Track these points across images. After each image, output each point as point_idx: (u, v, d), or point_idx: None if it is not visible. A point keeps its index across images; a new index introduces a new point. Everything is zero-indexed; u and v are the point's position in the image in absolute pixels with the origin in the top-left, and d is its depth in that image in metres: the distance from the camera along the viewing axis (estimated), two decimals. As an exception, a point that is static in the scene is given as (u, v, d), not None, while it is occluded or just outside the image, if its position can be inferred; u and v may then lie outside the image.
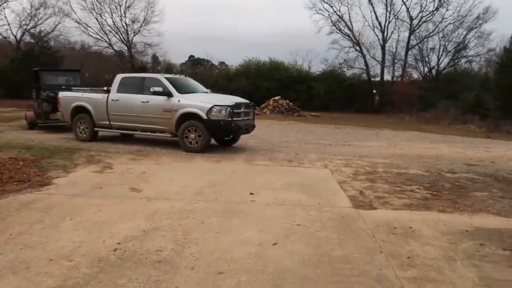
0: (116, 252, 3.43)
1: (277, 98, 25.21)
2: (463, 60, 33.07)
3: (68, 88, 11.60)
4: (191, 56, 49.98)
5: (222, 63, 46.39)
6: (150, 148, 9.25)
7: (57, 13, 37.17)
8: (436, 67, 33.58)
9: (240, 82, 29.50)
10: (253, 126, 10.06)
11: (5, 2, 35.27)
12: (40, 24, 37.37)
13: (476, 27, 31.43)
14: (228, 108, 8.69)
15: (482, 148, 11.81)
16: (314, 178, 6.71)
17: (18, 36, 37.42)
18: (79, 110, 10.27)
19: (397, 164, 8.28)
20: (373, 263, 3.39)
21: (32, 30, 37.22)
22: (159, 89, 9.05)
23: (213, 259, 3.37)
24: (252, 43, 52.04)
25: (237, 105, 9.11)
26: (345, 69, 33.31)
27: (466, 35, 31.93)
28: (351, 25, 33.32)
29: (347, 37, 33.62)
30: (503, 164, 8.94)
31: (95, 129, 10.15)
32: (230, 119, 8.70)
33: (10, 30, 37.34)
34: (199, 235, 3.91)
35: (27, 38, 37.53)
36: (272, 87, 28.24)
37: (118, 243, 3.62)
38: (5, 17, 36.12)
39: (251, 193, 5.50)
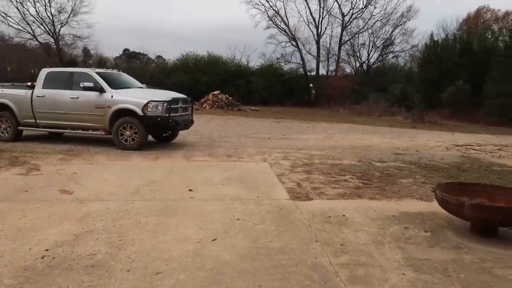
0: (44, 260, 3.22)
1: (216, 92, 25.12)
2: (390, 56, 35.38)
3: (-14, 84, 10.61)
4: (126, 50, 48.09)
5: (159, 57, 45.15)
6: (81, 147, 8.77)
7: (-29, 1, 33.81)
8: (366, 62, 35.51)
9: (178, 76, 28.97)
10: (192, 122, 9.94)
11: None
12: (-52, 12, 33.73)
13: (401, 25, 33.76)
14: (165, 104, 8.49)
15: (407, 138, 12.72)
16: (253, 172, 6.79)
17: None
18: (1, 108, 9.44)
19: (332, 155, 8.65)
20: (309, 252, 3.52)
21: None
22: (90, 84, 8.61)
23: (150, 259, 3.29)
24: (189, 37, 51.32)
25: (175, 100, 8.93)
26: (282, 64, 34.05)
27: (392, 31, 34.17)
28: (287, 20, 34.08)
29: (283, 32, 34.35)
30: (426, 152, 9.70)
31: (19, 128, 9.41)
32: (167, 114, 8.50)
33: None
34: (136, 235, 3.79)
35: None
36: (211, 82, 28.08)
37: (46, 250, 3.40)
38: None
39: (190, 190, 5.45)
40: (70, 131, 9.43)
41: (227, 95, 25.22)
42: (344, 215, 4.53)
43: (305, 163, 7.65)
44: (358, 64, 36.17)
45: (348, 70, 37.17)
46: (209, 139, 10.80)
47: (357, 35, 34.68)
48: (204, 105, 24.02)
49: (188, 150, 8.88)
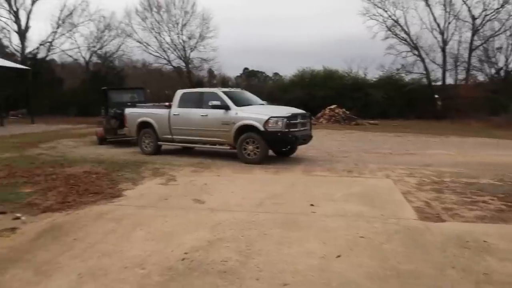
0: (184, 262, 3.58)
1: (333, 107, 24.91)
2: (536, 59, 30.51)
3: (133, 105, 12.33)
4: (245, 69, 50.93)
5: (276, 74, 46.78)
6: (210, 160, 9.54)
7: (120, 34, 39.80)
8: (504, 68, 31.29)
9: (294, 92, 29.51)
10: (310, 137, 10.03)
11: (75, 27, 38.43)
12: (105, 45, 40.23)
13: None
14: (285, 119, 8.76)
15: None
16: (376, 189, 6.52)
17: (87, 58, 40.53)
18: (144, 125, 10.87)
19: (466, 173, 7.81)
20: (445, 278, 3.23)
21: (99, 52, 40.18)
22: (217, 102, 9.35)
23: (277, 270, 3.40)
24: (305, 53, 51.83)
25: (294, 116, 9.15)
26: (403, 75, 32.10)
27: (538, 31, 29.50)
28: (408, 28, 32.08)
29: (404, 41, 32.40)
30: None
31: (159, 143, 10.69)
32: (287, 130, 8.75)
33: (80, 52, 40.58)
34: (262, 246, 3.96)
35: (95, 59, 40.56)
36: (327, 96, 27.89)
37: (186, 253, 3.77)
38: (75, 41, 39.47)
39: (311, 204, 5.48)
40: (200, 145, 10.35)
41: (344, 109, 24.80)
42: (485, 241, 4.04)
43: (434, 181, 7.06)
44: (493, 71, 32.14)
45: (480, 78, 33.28)
46: (328, 154, 10.73)
47: (491, 39, 30.90)
48: (321, 120, 24.00)
49: (307, 165, 8.96)
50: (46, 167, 8.49)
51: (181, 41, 39.44)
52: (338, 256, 3.69)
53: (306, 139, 9.76)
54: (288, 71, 53.89)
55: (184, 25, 39.10)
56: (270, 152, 9.61)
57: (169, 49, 39.83)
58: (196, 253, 3.79)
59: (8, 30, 39.30)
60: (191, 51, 40.11)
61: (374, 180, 7.32)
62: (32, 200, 5.66)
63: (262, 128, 8.80)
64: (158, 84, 42.34)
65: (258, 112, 9.16)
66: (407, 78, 31.87)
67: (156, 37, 39.24)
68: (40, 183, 6.84)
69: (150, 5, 38.41)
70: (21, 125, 23.79)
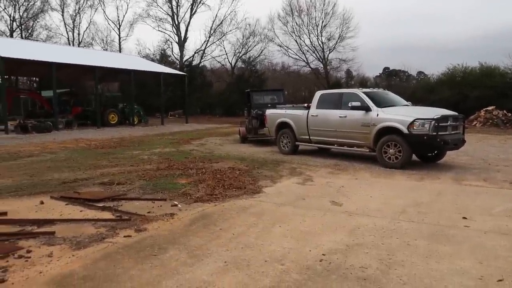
0: (322, 263, 3.55)
1: (490, 108, 21.89)
2: None
3: (273, 106, 12.89)
4: (386, 68, 48.54)
5: (420, 73, 43.42)
6: (347, 163, 9.33)
7: (263, 40, 42.18)
8: None
9: (442, 92, 26.83)
10: (463, 141, 8.95)
11: (224, 36, 42.22)
12: (249, 50, 43.17)
13: None
14: (433, 122, 8.00)
15: None
16: (550, 206, 5.45)
17: (233, 63, 44.07)
18: (283, 126, 11.25)
19: None
20: None
21: (243, 57, 43.31)
22: (357, 103, 9.07)
23: (422, 285, 3.11)
24: (456, 49, 46.68)
25: (444, 118, 8.28)
26: None
27: None
28: None
29: None
30: None
31: (296, 143, 10.92)
32: (435, 133, 7.98)
33: (227, 58, 44.40)
34: (405, 257, 3.68)
35: (239, 64, 43.86)
36: (483, 96, 24.56)
37: (323, 254, 3.74)
38: (224, 48, 43.47)
39: (464, 217, 4.87)
40: (337, 147, 10.21)
41: (504, 111, 21.51)
42: None
43: None
44: None
45: None
46: (483, 162, 9.42)
47: None
48: (474, 123, 21.31)
49: (457, 173, 8.02)
50: (197, 161, 9.49)
51: (320, 42, 39.73)
52: (500, 280, 3.19)
53: (458, 144, 8.73)
54: (434, 70, 49.36)
55: (324, 27, 39.33)
56: (413, 157, 8.90)
57: (308, 51, 40.57)
58: (334, 255, 3.72)
59: (171, 42, 45.38)
60: (330, 52, 40.05)
61: (547, 195, 6.13)
62: (186, 191, 6.37)
63: (406, 131, 8.20)
64: (294, 86, 43.52)
65: (402, 114, 8.57)
66: None
67: (296, 40, 40.40)
68: (192, 175, 7.66)
69: (292, 10, 39.75)
70: (177, 124, 27.21)
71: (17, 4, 41.63)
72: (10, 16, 41.69)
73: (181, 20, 44.46)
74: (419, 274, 3.32)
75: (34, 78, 36.57)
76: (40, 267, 3.46)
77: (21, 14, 42.09)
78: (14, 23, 41.91)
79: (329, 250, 3.86)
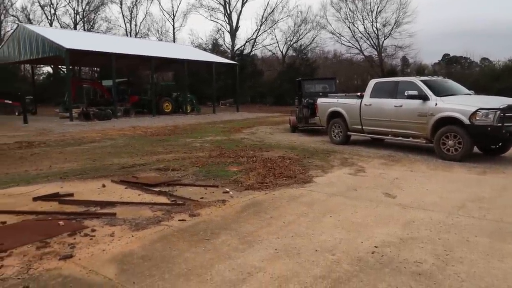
0: (374, 255, 3.49)
1: None
2: None
3: (325, 95, 12.67)
4: (446, 55, 45.92)
5: (484, 59, 40.56)
6: (401, 154, 9.00)
7: (315, 27, 41.44)
8: None
9: (509, 80, 24.93)
10: (532, 133, 8.27)
11: (275, 24, 41.94)
12: (301, 38, 42.61)
13: None
14: (498, 112, 7.47)
15: None
16: None
17: (284, 51, 43.78)
18: (334, 115, 11.04)
19: None
20: None
21: (294, 45, 42.85)
22: (414, 92, 8.67)
23: (483, 284, 2.96)
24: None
25: (510, 108, 7.70)
26: None
27: None
28: None
29: None
30: None
31: (348, 133, 10.68)
32: (500, 124, 7.45)
33: (278, 46, 44.20)
34: (464, 254, 3.51)
35: (290, 52, 43.48)
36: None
37: (376, 247, 3.66)
38: (275, 37, 43.16)
39: (532, 215, 4.54)
40: (391, 137, 9.86)
41: None
42: None
43: None
44: None
45: None
46: (555, 156, 8.68)
47: None
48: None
49: (525, 167, 7.47)
50: (248, 150, 9.60)
51: (374, 29, 38.34)
52: None
53: (526, 136, 8.09)
54: (500, 56, 45.98)
55: (379, 12, 37.92)
56: (474, 149, 8.39)
57: (361, 38, 39.39)
58: (387, 248, 3.64)
59: (223, 31, 45.94)
60: (385, 39, 38.57)
61: None
62: (237, 178, 6.48)
63: (467, 121, 7.73)
64: (347, 74, 42.43)
65: (463, 103, 8.08)
66: None
67: (349, 27, 39.34)
68: (243, 164, 7.78)
69: (345, -5, 38.53)
70: (228, 113, 27.64)
71: (80, -2, 44.08)
72: (74, 9, 44.29)
73: (233, 9, 44.83)
74: (479, 272, 3.16)
75: (95, 68, 38.69)
76: (103, 246, 3.71)
77: (83, 7, 44.55)
78: (77, 16, 44.46)
79: (382, 242, 3.77)
